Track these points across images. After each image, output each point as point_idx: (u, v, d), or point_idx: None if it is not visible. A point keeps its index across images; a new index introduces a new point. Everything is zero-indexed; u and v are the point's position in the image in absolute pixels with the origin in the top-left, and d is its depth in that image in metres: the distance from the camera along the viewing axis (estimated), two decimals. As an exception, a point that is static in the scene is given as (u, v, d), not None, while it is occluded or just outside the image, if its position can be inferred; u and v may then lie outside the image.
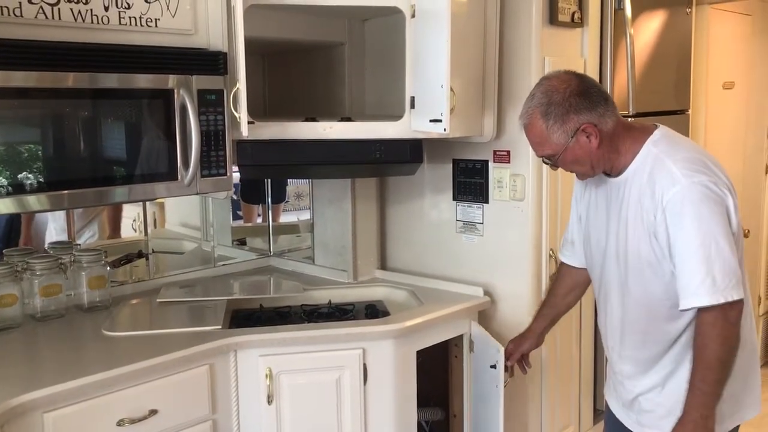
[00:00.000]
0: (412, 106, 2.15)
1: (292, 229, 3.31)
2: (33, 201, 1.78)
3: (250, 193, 3.09)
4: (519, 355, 2.14)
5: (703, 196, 1.54)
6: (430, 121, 2.04)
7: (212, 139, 2.03)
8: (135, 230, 2.76)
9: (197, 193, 2.04)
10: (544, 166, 2.34)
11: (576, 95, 1.59)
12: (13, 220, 2.45)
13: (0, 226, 2.48)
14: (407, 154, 2.22)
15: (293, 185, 3.32)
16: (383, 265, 2.80)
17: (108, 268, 2.39)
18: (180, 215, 2.98)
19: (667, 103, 3.00)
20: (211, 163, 2.04)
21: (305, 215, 3.23)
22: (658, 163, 1.60)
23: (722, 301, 1.52)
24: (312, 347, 2.09)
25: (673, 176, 1.56)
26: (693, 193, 1.54)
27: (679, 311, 1.61)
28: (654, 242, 1.61)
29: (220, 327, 2.11)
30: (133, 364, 1.82)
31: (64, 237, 2.48)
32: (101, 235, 2.61)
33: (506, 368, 2.17)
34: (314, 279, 2.73)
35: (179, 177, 1.99)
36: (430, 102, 2.05)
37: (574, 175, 1.85)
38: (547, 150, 1.65)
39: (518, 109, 2.31)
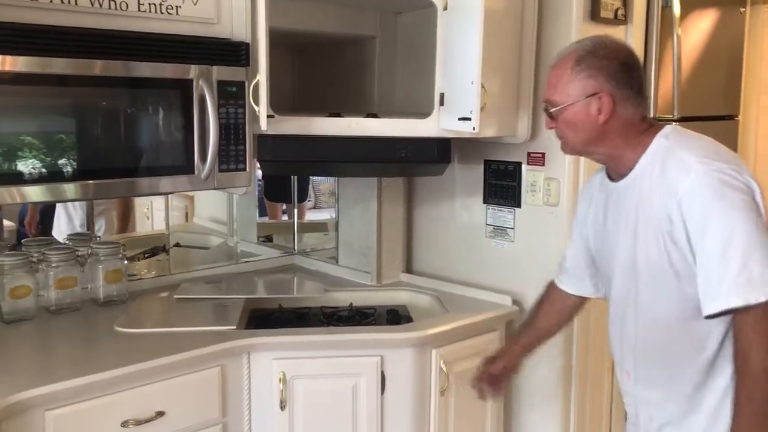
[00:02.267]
0: (441, 103, 2.04)
1: (320, 227, 3.24)
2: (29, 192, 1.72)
3: (273, 191, 3.02)
4: (486, 377, 1.87)
5: (723, 183, 1.35)
6: (459, 119, 1.94)
7: (231, 132, 1.95)
8: (164, 223, 2.71)
9: (214, 188, 1.97)
10: (581, 171, 2.24)
11: (619, 63, 1.47)
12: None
13: (22, 215, 2.46)
14: (434, 154, 2.11)
15: (326, 183, 3.25)
16: (408, 269, 2.70)
17: (125, 261, 2.34)
18: (210, 210, 2.94)
19: (715, 108, 2.83)
20: (230, 158, 1.96)
21: (329, 213, 3.16)
22: (669, 154, 1.43)
23: (762, 299, 1.30)
24: (327, 352, 2.01)
25: (687, 164, 1.39)
26: (712, 180, 1.35)
27: (701, 324, 1.41)
28: (669, 245, 1.41)
29: (234, 327, 2.03)
30: (141, 363, 1.75)
31: (71, 229, 2.42)
32: (109, 228, 2.54)
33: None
34: (337, 280, 2.64)
35: (196, 171, 1.91)
36: (460, 99, 1.95)
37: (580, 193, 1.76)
38: (556, 96, 1.50)
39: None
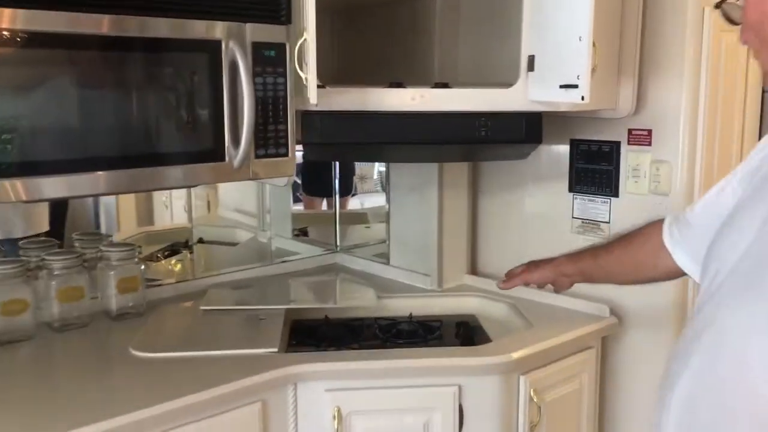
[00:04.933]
0: (531, 68, 1.63)
1: (359, 218, 2.84)
2: (45, 185, 1.34)
3: (312, 184, 2.63)
4: (521, 282, 1.71)
5: None
6: (561, 86, 1.52)
7: (270, 108, 1.55)
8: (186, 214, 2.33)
9: (250, 179, 1.58)
10: (698, 151, 1.82)
11: None
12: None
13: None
14: (521, 132, 1.70)
15: (366, 165, 2.83)
16: (473, 270, 2.29)
17: (142, 267, 1.96)
18: (235, 199, 2.55)
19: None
20: (269, 141, 1.57)
21: (371, 201, 2.75)
22: None
23: None
24: (393, 381, 1.62)
25: None
26: None
27: None
28: None
29: (275, 350, 1.65)
30: (156, 405, 1.36)
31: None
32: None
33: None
34: (389, 283, 2.25)
35: (227, 157, 1.52)
36: (561, 61, 1.53)
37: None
38: None
39: (666, 75, 1.81)
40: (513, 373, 1.66)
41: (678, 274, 1.34)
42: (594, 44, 1.47)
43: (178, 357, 1.61)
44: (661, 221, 1.36)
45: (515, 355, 1.64)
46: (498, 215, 2.24)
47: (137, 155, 1.46)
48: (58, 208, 2.07)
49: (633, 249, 1.44)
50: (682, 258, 1.29)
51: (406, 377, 1.62)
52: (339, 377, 1.59)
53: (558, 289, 1.71)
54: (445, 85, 1.69)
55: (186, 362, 1.58)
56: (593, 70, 1.48)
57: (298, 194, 2.72)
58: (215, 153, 1.51)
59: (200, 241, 2.40)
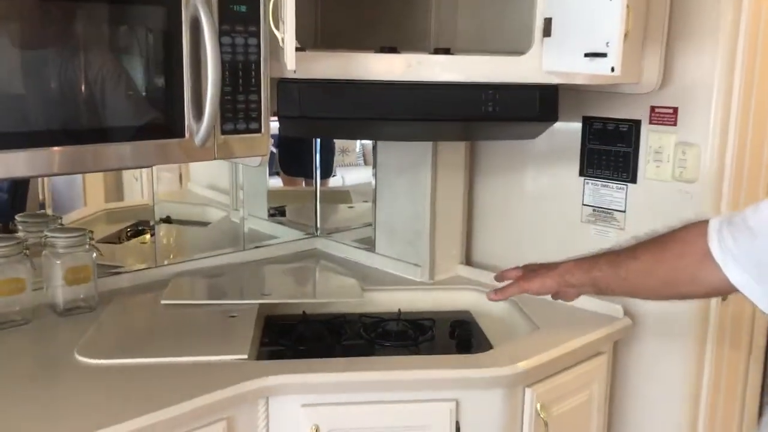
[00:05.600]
0: (547, 33, 1.39)
1: (340, 197, 2.60)
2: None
3: (290, 164, 2.38)
4: (517, 292, 1.45)
5: None
6: (586, 54, 1.28)
7: (240, 74, 1.31)
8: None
9: (215, 158, 1.34)
10: (731, 134, 1.60)
11: None
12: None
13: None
14: (534, 108, 1.47)
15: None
16: (467, 260, 2.08)
17: (95, 254, 1.72)
18: (207, 173, 2.30)
19: None
20: (238, 113, 1.33)
21: (352, 175, 2.50)
22: None
23: None
24: (380, 396, 1.40)
25: None
26: None
27: None
28: None
29: (245, 357, 1.43)
30: (102, 429, 1.14)
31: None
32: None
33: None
34: (375, 273, 2.03)
35: (187, 133, 1.28)
36: (586, 25, 1.30)
37: None
38: None
39: (697, 45, 1.57)
40: (518, 386, 1.45)
41: (725, 291, 1.08)
42: (628, 6, 1.24)
43: (130, 364, 1.39)
44: (704, 223, 1.10)
45: (522, 365, 1.43)
46: (497, 200, 2.02)
47: (79, 130, 1.23)
48: (18, 183, 1.82)
49: (667, 257, 1.16)
50: (736, 274, 1.03)
51: (396, 391, 1.40)
52: (317, 390, 1.38)
53: (559, 299, 1.46)
54: (446, 51, 1.45)
55: (138, 371, 1.36)
56: (625, 36, 1.25)
57: (274, 169, 2.47)
58: (173, 128, 1.27)
59: (167, 220, 2.15)
